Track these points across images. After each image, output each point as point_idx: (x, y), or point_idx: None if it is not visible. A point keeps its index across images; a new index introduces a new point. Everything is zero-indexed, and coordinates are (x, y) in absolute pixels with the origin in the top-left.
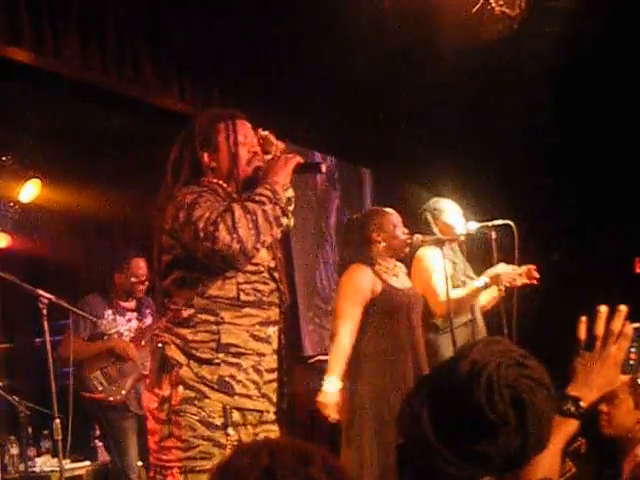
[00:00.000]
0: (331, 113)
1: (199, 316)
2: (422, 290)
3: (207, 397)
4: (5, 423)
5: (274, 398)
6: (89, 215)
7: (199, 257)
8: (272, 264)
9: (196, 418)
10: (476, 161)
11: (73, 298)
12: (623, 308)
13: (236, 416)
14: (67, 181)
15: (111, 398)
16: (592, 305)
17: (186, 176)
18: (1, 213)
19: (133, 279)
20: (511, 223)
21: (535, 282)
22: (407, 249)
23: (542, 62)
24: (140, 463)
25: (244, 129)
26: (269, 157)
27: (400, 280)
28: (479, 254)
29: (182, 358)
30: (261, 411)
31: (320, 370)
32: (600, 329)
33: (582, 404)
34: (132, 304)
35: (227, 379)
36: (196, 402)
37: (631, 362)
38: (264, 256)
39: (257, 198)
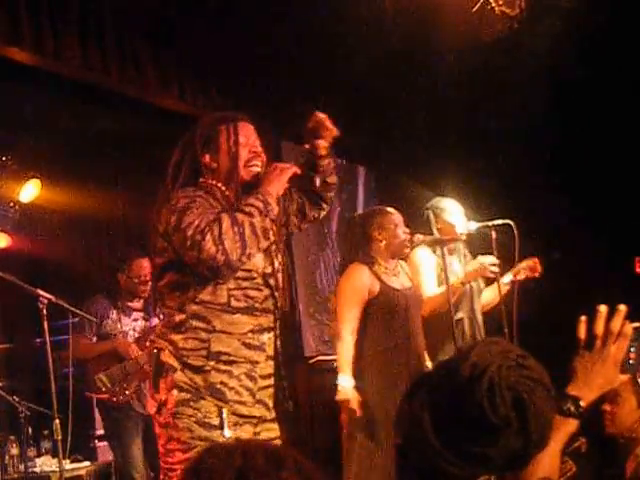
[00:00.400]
0: (331, 113)
1: (191, 322)
2: None
3: (203, 398)
4: (5, 423)
5: (270, 403)
6: (89, 215)
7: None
8: (268, 270)
9: (193, 420)
10: (476, 161)
11: (73, 298)
12: (623, 308)
13: (233, 417)
14: (67, 181)
15: (115, 398)
16: (592, 305)
17: (185, 178)
18: (1, 213)
19: (136, 280)
20: (511, 223)
21: (537, 275)
22: (408, 249)
23: (542, 62)
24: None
25: (246, 130)
26: (322, 143)
27: (400, 280)
28: (479, 254)
29: (176, 363)
30: (257, 417)
31: (320, 370)
32: (600, 329)
33: (582, 404)
34: (139, 304)
35: (218, 386)
36: (192, 404)
37: (631, 361)
38: (258, 262)
39: (247, 209)
